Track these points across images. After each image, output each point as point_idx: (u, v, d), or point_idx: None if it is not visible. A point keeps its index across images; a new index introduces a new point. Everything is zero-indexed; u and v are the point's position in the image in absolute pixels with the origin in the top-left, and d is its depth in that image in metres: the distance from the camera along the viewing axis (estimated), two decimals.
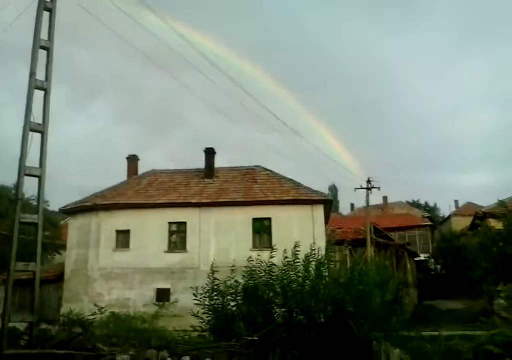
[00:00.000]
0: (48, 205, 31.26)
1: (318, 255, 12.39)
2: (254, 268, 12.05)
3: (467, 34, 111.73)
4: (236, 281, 11.96)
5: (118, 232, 24.89)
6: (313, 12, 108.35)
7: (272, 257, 12.13)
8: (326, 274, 12.39)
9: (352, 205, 65.99)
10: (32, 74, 10.55)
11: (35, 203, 30.99)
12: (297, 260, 12.01)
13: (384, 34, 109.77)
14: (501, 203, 22.52)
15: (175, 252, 24.40)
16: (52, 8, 11.02)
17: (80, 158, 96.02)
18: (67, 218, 30.47)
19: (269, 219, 24.22)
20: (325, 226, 25.54)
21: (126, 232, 24.81)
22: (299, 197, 24.66)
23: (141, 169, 29.98)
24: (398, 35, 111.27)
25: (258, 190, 25.76)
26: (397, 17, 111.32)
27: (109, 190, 26.84)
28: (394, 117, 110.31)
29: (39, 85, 10.63)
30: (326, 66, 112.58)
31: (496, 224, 21.01)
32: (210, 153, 28.09)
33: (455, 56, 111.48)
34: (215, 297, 11.92)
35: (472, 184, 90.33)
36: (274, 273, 11.87)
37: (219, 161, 28.87)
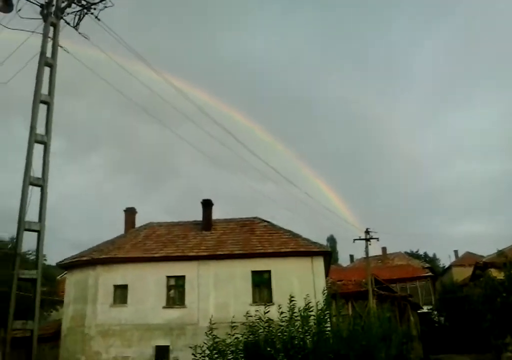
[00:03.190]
0: (46, 260, 30.82)
1: (318, 309, 12.13)
2: (254, 325, 11.75)
3: (448, 91, 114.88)
4: (236, 338, 11.63)
5: (116, 287, 24.42)
6: (307, 66, 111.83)
7: (267, 312, 11.85)
8: (328, 328, 12.10)
9: (351, 257, 65.46)
10: (32, 128, 10.66)
11: (32, 257, 30.76)
12: (296, 315, 11.75)
13: (370, 90, 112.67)
14: (501, 253, 22.37)
15: (173, 307, 23.84)
16: (53, 64, 11.36)
17: (76, 212, 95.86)
18: (64, 273, 30.03)
19: (268, 271, 23.85)
20: (326, 278, 25.18)
21: (124, 287, 24.35)
22: (298, 249, 24.39)
23: (138, 222, 29.92)
24: (384, 91, 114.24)
25: (256, 242, 25.53)
26: (385, 71, 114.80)
27: (107, 244, 26.59)
28: (390, 167, 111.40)
29: (39, 139, 10.74)
30: (320, 118, 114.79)
31: (497, 274, 20.75)
32: (207, 205, 28.06)
33: (439, 110, 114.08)
34: (215, 356, 11.55)
35: (470, 234, 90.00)
36: (274, 329, 11.58)
37: (216, 212, 28.86)
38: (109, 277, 24.55)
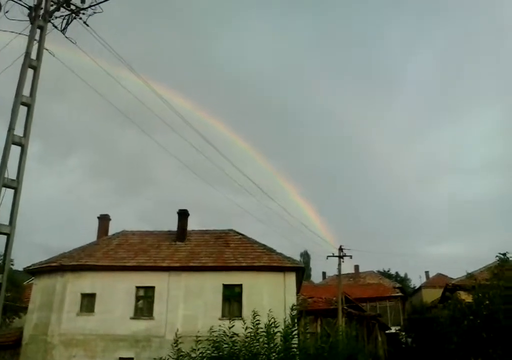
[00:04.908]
0: (13, 264, 30.10)
1: (286, 326, 12.07)
2: (218, 340, 11.67)
3: (434, 108, 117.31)
4: (201, 353, 11.52)
5: (84, 295, 23.94)
6: (291, 81, 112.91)
7: (231, 326, 11.76)
8: (295, 345, 12.06)
9: (324, 274, 65.66)
10: (10, 129, 10.51)
11: None
12: (262, 331, 11.69)
13: (353, 104, 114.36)
14: (470, 276, 22.66)
15: (141, 319, 23.44)
16: (37, 66, 11.26)
17: (49, 216, 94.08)
18: (31, 279, 29.32)
19: (240, 285, 23.69)
20: (297, 294, 25.15)
21: (92, 296, 23.87)
22: (271, 263, 24.31)
23: (113, 228, 29.53)
24: (367, 106, 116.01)
25: (230, 254, 25.41)
26: (366, 87, 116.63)
27: (77, 251, 26.12)
28: (366, 186, 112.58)
29: (17, 140, 10.57)
30: (300, 134, 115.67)
31: (466, 297, 21.02)
32: (183, 215, 27.88)
33: (422, 128, 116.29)
34: None
35: (441, 255, 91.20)
36: (239, 344, 11.50)
37: (192, 223, 28.63)
38: (77, 285, 24.07)
